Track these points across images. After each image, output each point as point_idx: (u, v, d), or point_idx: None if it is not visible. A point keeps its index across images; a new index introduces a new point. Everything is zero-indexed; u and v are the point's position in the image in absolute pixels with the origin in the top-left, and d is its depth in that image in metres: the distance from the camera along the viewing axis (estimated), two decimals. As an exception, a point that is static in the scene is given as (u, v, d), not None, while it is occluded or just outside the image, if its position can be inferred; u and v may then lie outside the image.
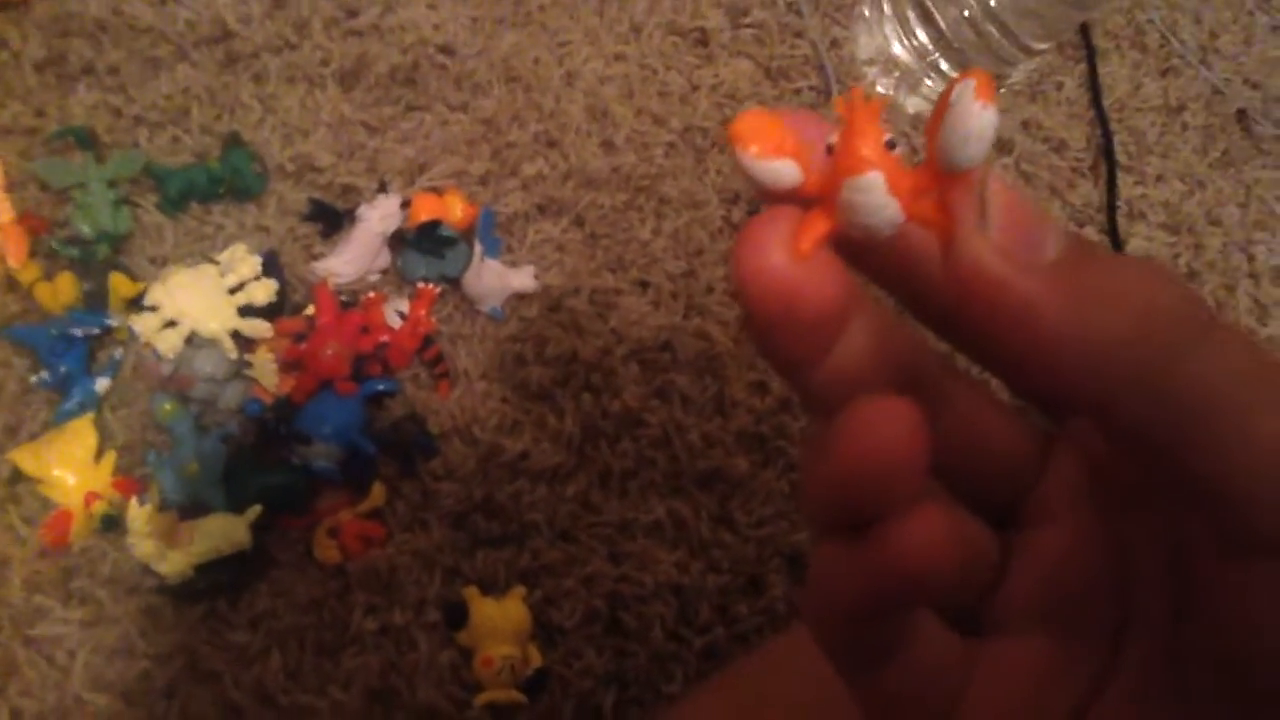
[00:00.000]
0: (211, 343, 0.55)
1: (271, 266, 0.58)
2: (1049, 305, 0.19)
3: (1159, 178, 0.79)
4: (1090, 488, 0.24)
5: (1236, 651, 0.20)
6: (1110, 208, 0.76)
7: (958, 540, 0.21)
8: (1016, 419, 0.26)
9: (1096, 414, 0.20)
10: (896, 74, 0.75)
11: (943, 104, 0.19)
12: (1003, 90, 0.77)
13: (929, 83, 0.75)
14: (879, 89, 0.76)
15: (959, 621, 0.25)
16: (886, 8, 0.75)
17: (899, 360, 0.23)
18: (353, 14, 0.67)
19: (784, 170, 0.20)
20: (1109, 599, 0.24)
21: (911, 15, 0.73)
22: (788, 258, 0.21)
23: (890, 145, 0.20)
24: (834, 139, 0.20)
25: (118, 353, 0.56)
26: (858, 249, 0.22)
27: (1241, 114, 0.83)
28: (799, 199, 0.21)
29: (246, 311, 0.56)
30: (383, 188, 0.62)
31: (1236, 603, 0.20)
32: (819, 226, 0.21)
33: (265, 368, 0.55)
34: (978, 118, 0.19)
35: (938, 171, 0.20)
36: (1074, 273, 0.19)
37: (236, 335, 0.56)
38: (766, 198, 0.21)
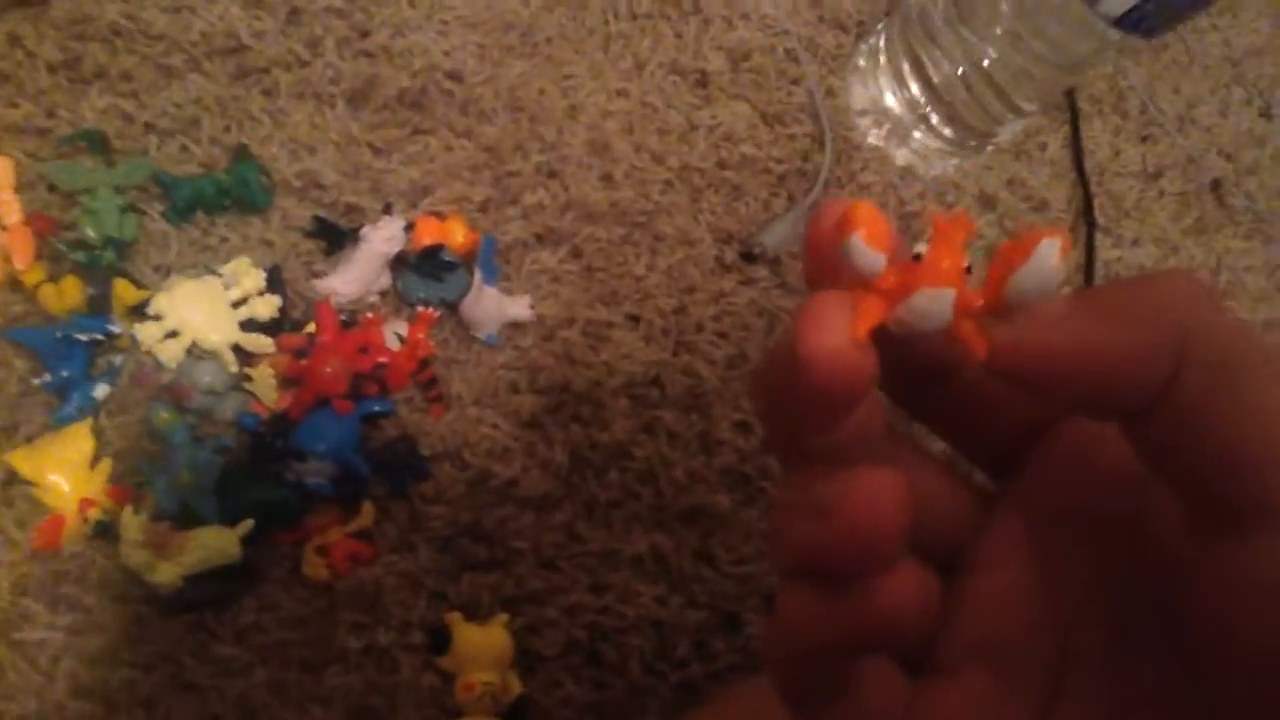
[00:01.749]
0: (212, 355, 0.56)
1: (275, 282, 0.59)
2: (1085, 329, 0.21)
3: (1135, 241, 0.81)
4: (1030, 539, 0.26)
5: (1225, 637, 0.21)
6: (1089, 268, 0.79)
7: (926, 593, 0.24)
8: (956, 477, 0.28)
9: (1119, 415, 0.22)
10: (888, 125, 0.77)
11: (1017, 250, 0.22)
12: (990, 148, 0.78)
13: (918, 135, 0.76)
14: (870, 139, 0.77)
15: (902, 661, 0.27)
16: (882, 59, 0.77)
17: (877, 425, 0.25)
18: (364, 35, 0.68)
19: (876, 261, 0.22)
20: (1049, 640, 0.25)
21: (906, 68, 0.75)
22: (849, 340, 0.22)
23: (967, 270, 0.23)
24: (922, 249, 0.22)
25: (117, 359, 0.56)
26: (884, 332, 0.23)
27: (1216, 184, 0.85)
28: (862, 286, 0.23)
29: (248, 325, 0.57)
30: (387, 209, 0.62)
31: (1228, 589, 0.21)
32: (874, 314, 0.23)
33: (265, 383, 0.56)
34: (1055, 273, 0.22)
35: (996, 298, 0.22)
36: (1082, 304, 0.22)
37: (237, 348, 0.56)
38: (840, 278, 0.23)
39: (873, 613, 0.23)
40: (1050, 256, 0.21)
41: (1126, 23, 0.62)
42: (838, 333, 0.22)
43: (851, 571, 0.23)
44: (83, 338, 0.55)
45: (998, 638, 0.26)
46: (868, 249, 0.22)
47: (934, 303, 0.22)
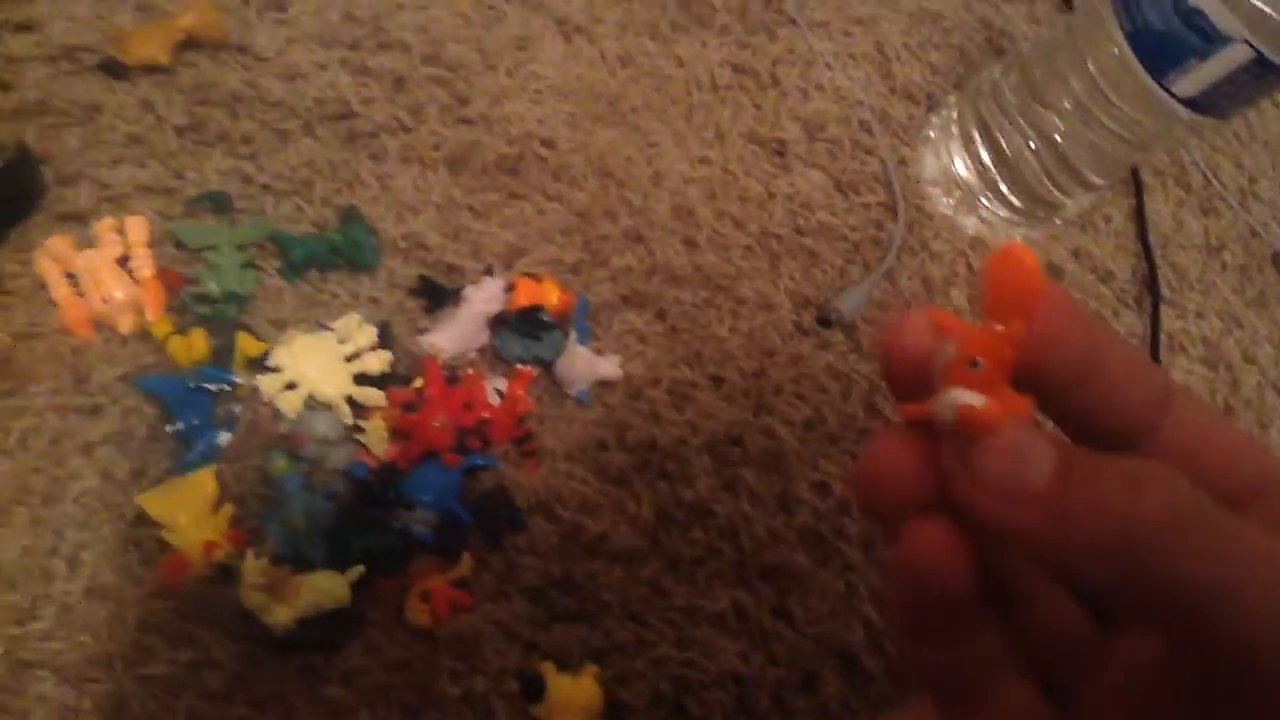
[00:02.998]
0: (327, 406, 0.58)
1: (385, 337, 0.62)
2: (1037, 530, 0.23)
3: (1199, 313, 0.83)
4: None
5: None
6: (1153, 340, 0.81)
7: None
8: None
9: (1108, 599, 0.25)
10: (958, 195, 0.79)
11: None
12: (1058, 222, 0.81)
13: (987, 205, 0.79)
14: (941, 208, 0.80)
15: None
16: (954, 131, 0.80)
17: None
18: (464, 102, 0.71)
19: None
20: None
21: (977, 140, 0.77)
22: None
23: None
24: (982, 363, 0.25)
25: (236, 408, 0.59)
26: None
27: (1276, 256, 0.87)
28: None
29: (360, 379, 0.59)
30: (489, 271, 0.65)
31: None
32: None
33: (377, 435, 0.59)
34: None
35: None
36: (1060, 494, 0.23)
37: (350, 400, 0.59)
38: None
39: None
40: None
41: (1198, 104, 0.65)
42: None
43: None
44: (211, 388, 0.58)
45: None
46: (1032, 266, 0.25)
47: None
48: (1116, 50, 0.66)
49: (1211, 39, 0.61)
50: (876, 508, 0.27)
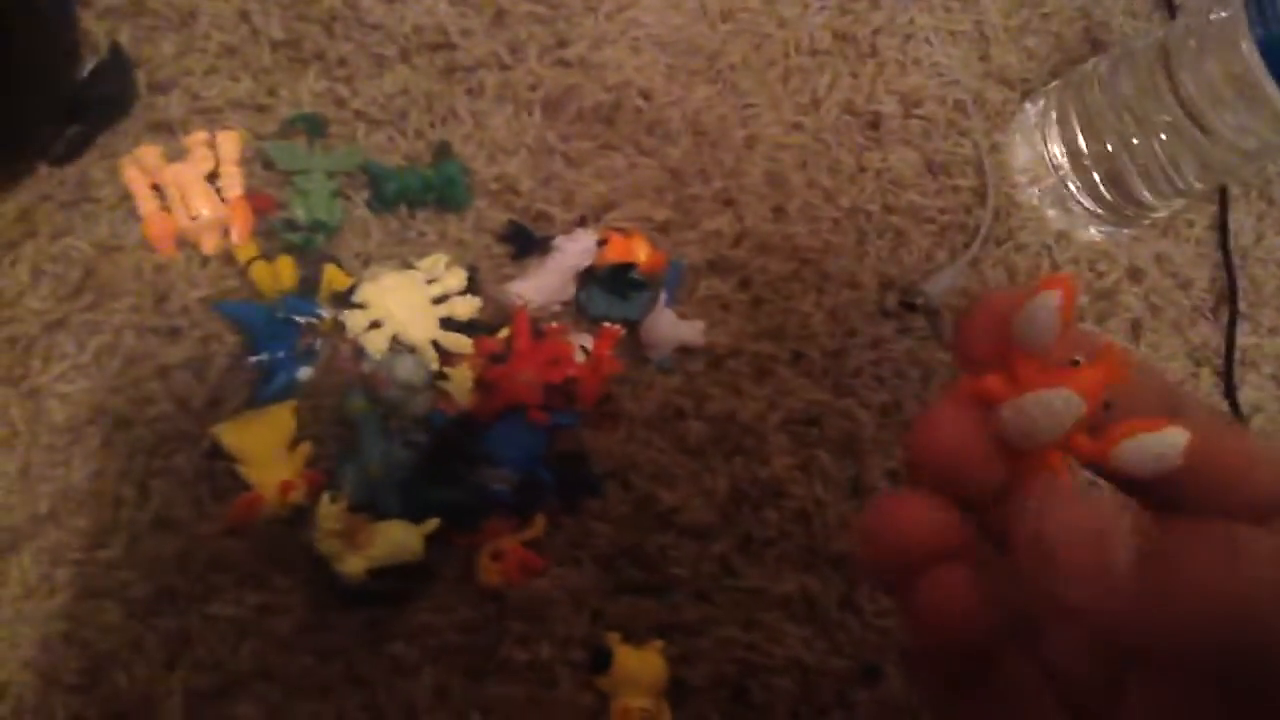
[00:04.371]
0: (412, 349, 0.56)
1: (472, 282, 0.59)
2: (1125, 618, 0.24)
3: (1272, 330, 0.81)
4: None
5: None
6: (1228, 354, 0.79)
7: None
8: None
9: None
10: (1048, 186, 0.77)
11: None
12: (1145, 223, 0.79)
13: (1077, 200, 0.77)
14: (1029, 199, 0.78)
15: None
16: (1051, 120, 0.77)
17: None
18: (564, 44, 0.68)
19: (1053, 329, 0.25)
20: None
21: (1077, 131, 0.75)
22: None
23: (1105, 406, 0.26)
24: (1080, 360, 0.25)
25: (317, 343, 0.57)
26: None
27: (1354, 279, 0.86)
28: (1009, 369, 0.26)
29: (447, 324, 0.57)
30: (582, 222, 0.63)
31: None
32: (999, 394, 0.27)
33: (463, 384, 0.56)
34: (1051, 321, 0.25)
35: (1100, 453, 0.25)
36: (1145, 579, 0.23)
37: (435, 345, 0.57)
38: (996, 351, 0.26)
39: None
40: (1174, 445, 0.24)
41: (1320, 119, 0.63)
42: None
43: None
44: (301, 320, 0.55)
45: None
46: (1056, 313, 0.24)
47: (1066, 404, 0.24)
48: (1245, 54, 0.63)
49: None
50: (891, 561, 0.28)
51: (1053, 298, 0.24)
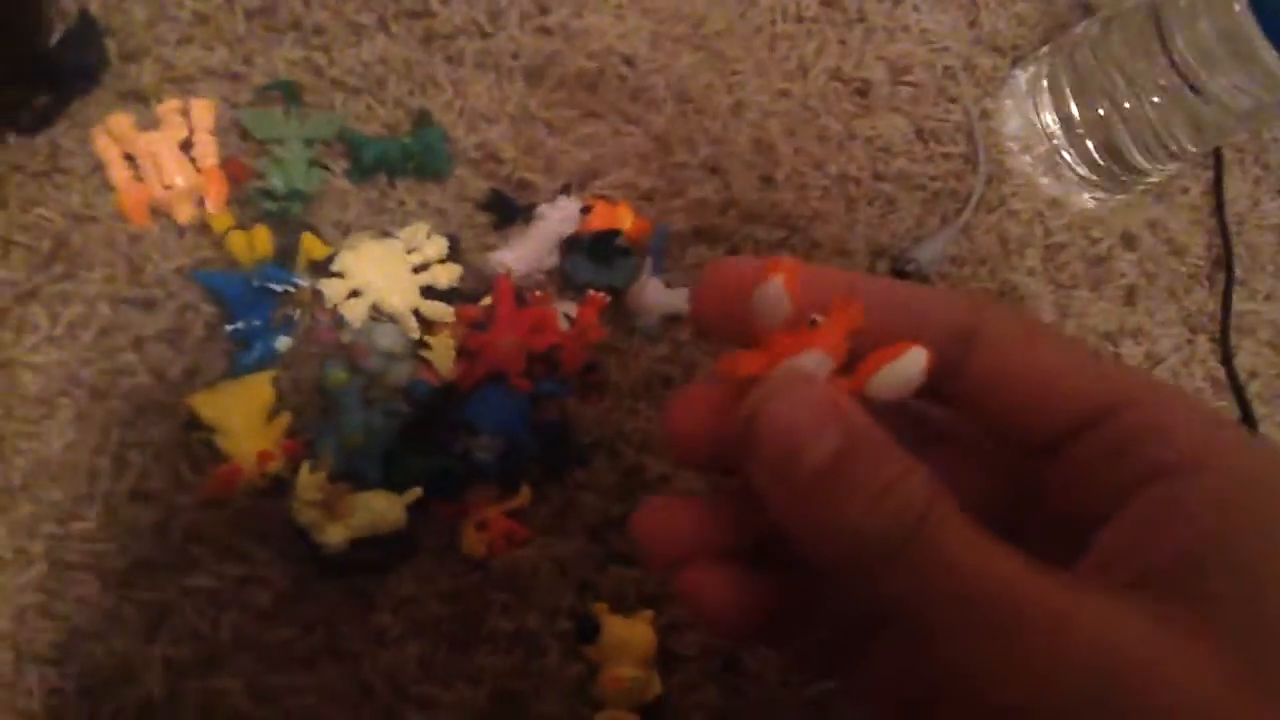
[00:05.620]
0: (392, 318, 0.55)
1: (454, 251, 0.58)
2: (786, 512, 0.25)
3: (1268, 296, 0.81)
4: None
5: None
6: (1224, 320, 0.78)
7: None
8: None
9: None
10: (1040, 153, 0.77)
11: (888, 355, 0.25)
12: (1139, 189, 0.78)
13: (1069, 166, 0.76)
14: (1021, 165, 0.77)
15: None
16: (1042, 86, 0.76)
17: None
18: (545, 11, 0.67)
19: (783, 309, 0.27)
20: None
21: (1069, 96, 0.74)
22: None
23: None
24: (819, 319, 0.26)
25: (295, 313, 0.56)
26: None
27: (1352, 244, 0.85)
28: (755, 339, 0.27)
29: (428, 292, 0.56)
30: (566, 190, 0.62)
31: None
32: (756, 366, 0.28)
33: (444, 352, 0.56)
34: (916, 379, 0.26)
35: (857, 388, 0.26)
36: (816, 489, 0.24)
37: (416, 314, 0.56)
38: (739, 328, 0.28)
39: None
40: (915, 365, 0.25)
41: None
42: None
43: None
44: (274, 288, 0.54)
45: None
46: (784, 295, 0.26)
47: (818, 365, 0.25)
48: (1237, 11, 0.62)
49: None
50: (656, 565, 0.30)
51: (776, 282, 0.26)
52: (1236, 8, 0.62)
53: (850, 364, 0.26)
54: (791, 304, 0.26)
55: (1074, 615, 0.22)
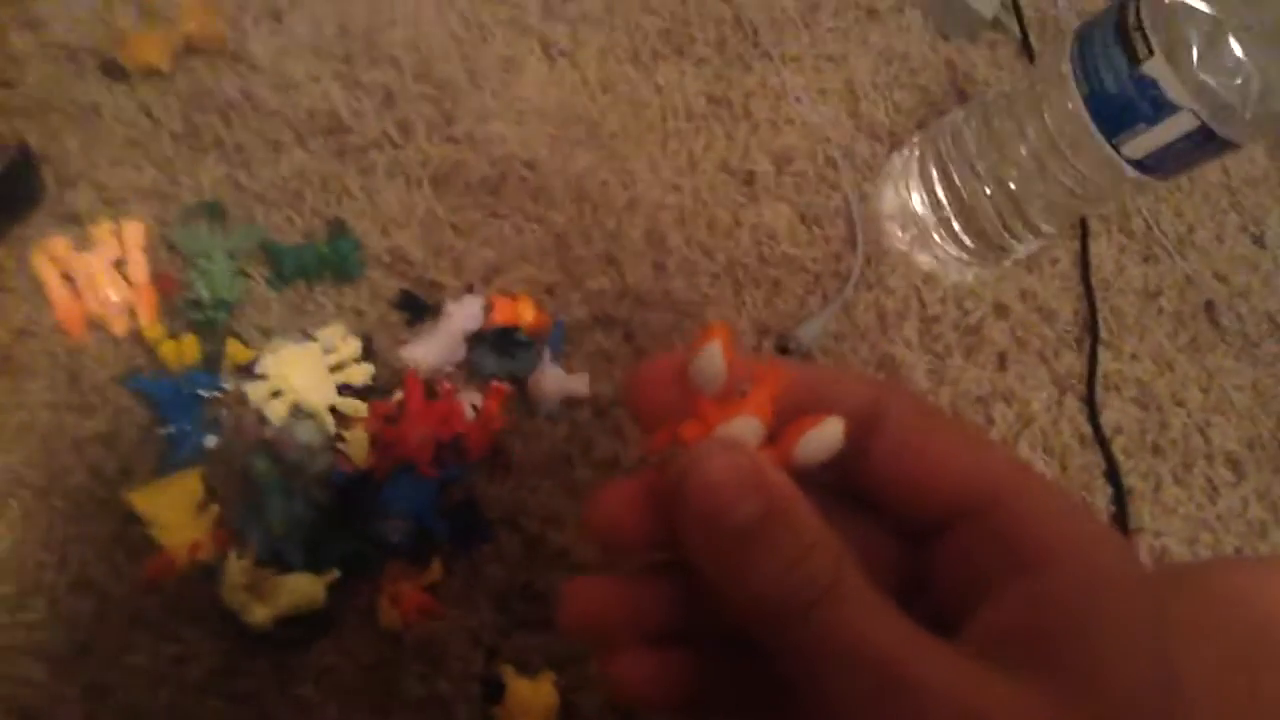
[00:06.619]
0: (311, 414, 0.61)
1: (368, 350, 0.64)
2: (710, 567, 0.26)
3: (1133, 355, 0.87)
4: None
5: None
6: (1090, 380, 0.85)
7: None
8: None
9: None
10: (914, 232, 0.83)
11: (810, 423, 0.28)
12: (1007, 263, 0.85)
13: (941, 243, 0.82)
14: (897, 245, 0.83)
15: None
16: (914, 170, 0.83)
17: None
18: (450, 121, 0.73)
19: (720, 374, 0.28)
20: None
21: (935, 180, 0.81)
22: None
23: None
24: (747, 389, 0.28)
25: (222, 413, 0.62)
26: None
27: (1210, 305, 0.92)
28: (690, 412, 0.29)
29: (344, 390, 0.62)
30: (470, 289, 0.68)
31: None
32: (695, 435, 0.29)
33: (359, 444, 0.61)
34: (836, 445, 0.28)
35: (784, 453, 0.28)
36: (738, 548, 0.26)
37: (333, 410, 0.62)
38: (672, 405, 0.29)
39: None
40: (834, 434, 0.27)
41: (1145, 166, 0.69)
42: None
43: None
44: (204, 393, 0.60)
45: None
46: (721, 359, 0.28)
47: (749, 429, 0.27)
48: (1073, 109, 0.69)
49: (1161, 107, 0.65)
50: (584, 639, 0.30)
51: (716, 346, 0.27)
52: (1072, 110, 0.69)
53: (773, 436, 0.28)
54: (726, 366, 0.27)
55: (948, 684, 0.24)
